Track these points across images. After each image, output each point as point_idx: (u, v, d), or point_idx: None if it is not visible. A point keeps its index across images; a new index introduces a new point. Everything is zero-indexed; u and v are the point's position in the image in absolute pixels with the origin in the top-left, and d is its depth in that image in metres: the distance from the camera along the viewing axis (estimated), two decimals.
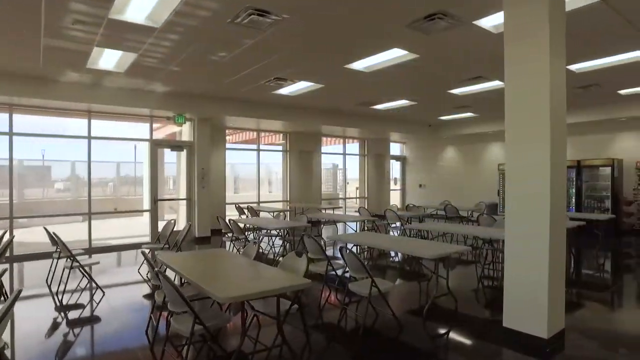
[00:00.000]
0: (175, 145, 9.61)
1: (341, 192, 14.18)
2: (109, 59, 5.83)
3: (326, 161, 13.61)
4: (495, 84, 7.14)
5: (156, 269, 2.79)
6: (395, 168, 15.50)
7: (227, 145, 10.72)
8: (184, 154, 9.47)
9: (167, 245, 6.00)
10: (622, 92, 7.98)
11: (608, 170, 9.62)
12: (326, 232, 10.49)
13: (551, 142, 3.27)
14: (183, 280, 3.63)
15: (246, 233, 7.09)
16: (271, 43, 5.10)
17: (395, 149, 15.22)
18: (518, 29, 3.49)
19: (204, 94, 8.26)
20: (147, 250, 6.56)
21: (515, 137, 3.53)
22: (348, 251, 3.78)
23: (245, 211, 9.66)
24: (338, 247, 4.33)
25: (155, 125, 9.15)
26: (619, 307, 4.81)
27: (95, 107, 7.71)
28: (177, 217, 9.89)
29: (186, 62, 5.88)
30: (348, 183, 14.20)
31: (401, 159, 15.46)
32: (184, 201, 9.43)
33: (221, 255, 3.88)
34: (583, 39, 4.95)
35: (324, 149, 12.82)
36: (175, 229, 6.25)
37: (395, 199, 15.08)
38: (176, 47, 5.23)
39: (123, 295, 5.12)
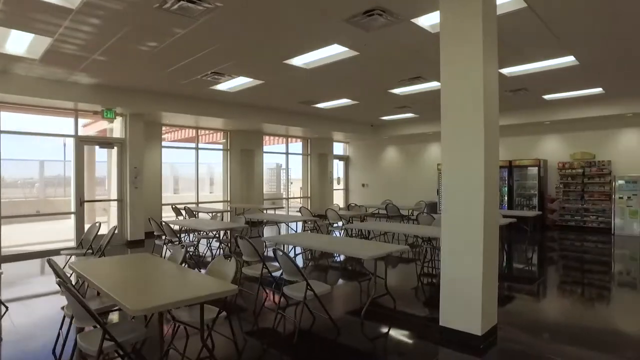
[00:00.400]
0: (104, 142, 8.90)
1: (285, 191, 13.97)
2: (17, 42, 5.18)
3: (270, 161, 13.35)
4: (434, 84, 7.31)
5: (58, 279, 2.43)
6: (339, 168, 15.56)
7: (164, 143, 10.13)
8: (114, 151, 8.78)
9: (90, 251, 5.46)
10: (546, 97, 8.52)
11: (535, 170, 10.28)
12: (268, 232, 10.24)
13: (485, 142, 3.31)
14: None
15: (182, 235, 6.67)
16: (205, 34, 4.80)
17: (338, 148, 15.28)
18: (453, 28, 3.50)
19: (136, 87, 7.69)
20: (67, 256, 5.97)
21: (450, 136, 3.54)
22: (282, 253, 3.60)
23: (183, 212, 9.17)
24: (271, 249, 4.14)
25: (86, 121, 8.37)
26: (544, 297, 5.05)
27: (5, 98, 6.87)
28: (108, 219, 9.17)
29: (112, 51, 5.39)
30: (292, 183, 14.01)
31: (344, 158, 15.55)
32: (116, 202, 8.76)
33: (146, 260, 3.54)
34: (512, 44, 5.16)
35: (266, 148, 12.54)
36: (103, 232, 5.71)
37: (338, 198, 15.13)
38: (99, 33, 4.75)
39: (32, 310, 4.51)
